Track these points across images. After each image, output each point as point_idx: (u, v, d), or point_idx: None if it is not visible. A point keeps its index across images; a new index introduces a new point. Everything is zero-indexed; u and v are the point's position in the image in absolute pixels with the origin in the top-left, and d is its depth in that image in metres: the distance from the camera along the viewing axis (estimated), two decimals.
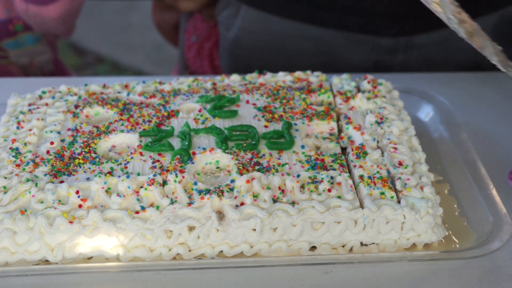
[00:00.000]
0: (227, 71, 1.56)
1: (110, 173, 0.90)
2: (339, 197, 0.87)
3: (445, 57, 1.53)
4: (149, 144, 0.97)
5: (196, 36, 1.77)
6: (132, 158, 0.95)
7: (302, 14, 1.39)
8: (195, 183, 0.89)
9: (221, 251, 0.85)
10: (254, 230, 0.84)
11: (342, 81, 1.14)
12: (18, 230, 0.83)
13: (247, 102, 1.07)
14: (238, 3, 1.48)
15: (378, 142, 0.99)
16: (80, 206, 0.85)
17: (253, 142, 0.97)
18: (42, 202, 0.85)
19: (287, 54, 1.47)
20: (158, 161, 0.94)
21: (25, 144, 0.97)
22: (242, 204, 0.86)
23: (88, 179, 0.89)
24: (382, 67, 1.48)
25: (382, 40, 1.45)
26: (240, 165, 0.92)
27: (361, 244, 0.87)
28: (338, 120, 1.05)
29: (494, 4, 1.53)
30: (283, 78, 1.15)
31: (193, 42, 1.79)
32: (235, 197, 0.87)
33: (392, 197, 0.87)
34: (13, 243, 0.83)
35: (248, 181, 0.89)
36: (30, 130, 1.01)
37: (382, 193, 0.88)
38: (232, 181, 0.89)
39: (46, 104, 1.06)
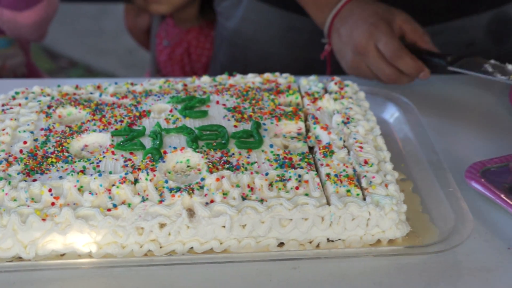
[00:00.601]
0: (225, 59, 1.61)
1: (83, 171, 0.91)
2: (306, 194, 0.88)
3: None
4: (121, 143, 0.97)
5: (168, 41, 1.78)
6: (104, 157, 0.95)
7: (299, 7, 1.40)
8: (166, 181, 0.89)
9: (192, 248, 0.85)
10: (224, 227, 0.85)
11: (310, 82, 1.15)
12: None
13: (217, 102, 1.09)
14: None
15: (344, 141, 1.00)
16: (53, 204, 0.85)
17: (223, 142, 0.98)
18: (15, 200, 0.85)
19: (285, 44, 1.50)
20: (129, 160, 0.94)
21: None
22: (212, 201, 0.86)
23: (60, 177, 0.89)
24: None
25: None
26: (210, 163, 0.93)
27: (328, 240, 0.87)
28: (305, 120, 1.06)
29: (487, 3, 1.55)
30: (252, 79, 1.16)
31: (164, 46, 1.79)
32: (205, 195, 0.87)
33: (357, 194, 0.88)
34: None
35: (218, 179, 0.89)
36: (3, 129, 1.01)
37: (348, 191, 0.88)
38: (202, 179, 0.90)
39: (19, 105, 1.07)
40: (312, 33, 1.45)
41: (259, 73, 1.27)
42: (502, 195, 0.97)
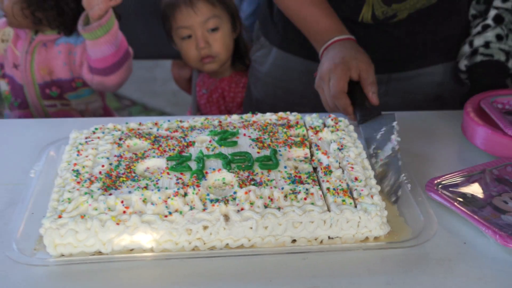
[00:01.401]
0: (259, 95, 1.61)
1: (146, 187, 0.93)
2: (312, 203, 0.89)
3: (414, 88, 1.55)
4: (174, 166, 0.99)
5: (206, 89, 1.77)
6: (161, 176, 0.97)
7: (315, 56, 1.40)
8: (208, 195, 0.91)
9: (227, 244, 0.87)
10: (251, 228, 0.86)
11: (312, 119, 1.17)
12: (79, 230, 0.84)
13: (244, 135, 1.10)
14: (271, 46, 1.55)
15: (339, 163, 1.01)
16: (124, 212, 0.87)
17: (249, 164, 1.00)
18: (96, 209, 0.87)
19: (304, 83, 1.49)
20: (180, 178, 0.96)
21: (83, 167, 0.98)
22: (242, 209, 0.88)
23: (129, 192, 0.91)
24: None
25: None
26: (240, 181, 0.95)
27: (329, 237, 0.89)
28: (310, 147, 1.07)
29: (436, 59, 1.53)
30: (269, 117, 1.18)
31: (203, 93, 1.79)
32: (237, 204, 0.89)
33: (350, 203, 0.90)
34: (75, 239, 0.84)
35: (246, 193, 0.91)
36: (86, 156, 1.02)
37: (343, 200, 0.90)
38: (235, 192, 0.91)
39: (98, 137, 1.08)
40: None
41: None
42: (455, 203, 0.98)
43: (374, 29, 1.46)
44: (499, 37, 1.39)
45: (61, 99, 1.70)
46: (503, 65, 1.38)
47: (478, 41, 1.41)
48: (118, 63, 1.59)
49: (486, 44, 1.39)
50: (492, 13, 1.41)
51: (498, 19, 1.40)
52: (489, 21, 1.41)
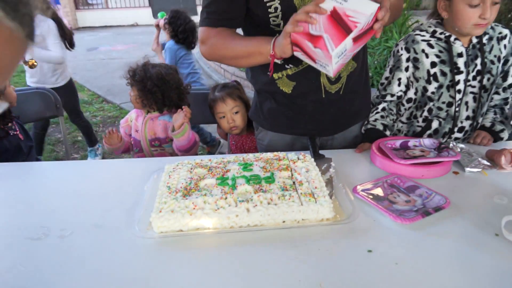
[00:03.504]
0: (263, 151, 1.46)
1: (205, 195, 0.92)
2: (293, 201, 0.89)
3: (346, 139, 1.39)
4: (219, 183, 0.98)
5: (234, 141, 1.78)
6: (213, 188, 0.96)
7: (297, 131, 1.32)
8: (238, 198, 0.91)
9: (248, 224, 0.87)
10: (261, 215, 0.86)
11: (292, 155, 1.13)
12: (170, 218, 0.84)
13: (256, 165, 1.07)
14: (266, 131, 1.36)
15: (307, 179, 0.99)
16: (194, 208, 0.88)
17: (259, 181, 0.98)
18: (179, 207, 0.88)
19: (291, 148, 1.35)
20: (223, 189, 0.95)
21: (172, 184, 0.99)
22: (255, 205, 0.88)
23: (196, 197, 0.91)
24: (323, 147, 1.39)
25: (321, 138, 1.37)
26: (254, 190, 0.94)
27: (302, 219, 0.88)
28: (291, 171, 1.04)
29: (354, 120, 1.37)
30: (269, 155, 1.14)
31: (233, 143, 1.79)
32: (253, 203, 0.89)
33: (313, 201, 0.89)
34: (169, 223, 0.85)
35: (258, 196, 0.91)
36: (174, 178, 1.02)
37: (309, 199, 0.90)
38: (252, 196, 0.91)
39: (179, 168, 1.08)
40: (303, 143, 1.35)
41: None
42: (368, 199, 0.98)
43: (326, 101, 1.26)
44: (382, 116, 1.37)
45: (160, 147, 1.73)
46: (382, 132, 1.35)
47: (371, 118, 1.38)
48: (188, 149, 1.64)
49: (375, 120, 1.37)
50: (381, 106, 1.38)
51: (384, 109, 1.38)
52: (380, 110, 1.38)
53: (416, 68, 1.29)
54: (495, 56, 1.28)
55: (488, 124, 1.33)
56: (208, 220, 0.86)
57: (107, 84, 5.29)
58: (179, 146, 1.63)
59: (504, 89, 1.35)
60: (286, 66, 1.18)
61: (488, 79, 1.29)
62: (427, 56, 1.27)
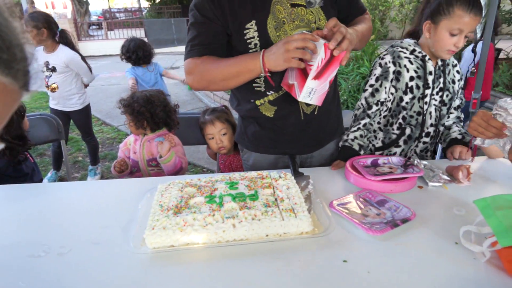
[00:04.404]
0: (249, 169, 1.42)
1: (194, 212, 0.91)
2: (275, 216, 0.88)
3: (323, 156, 1.39)
4: (208, 200, 0.97)
5: (223, 160, 1.75)
6: (202, 206, 0.95)
7: (279, 151, 1.30)
8: (225, 214, 0.90)
9: (234, 239, 0.86)
10: (246, 230, 0.85)
11: (273, 173, 1.13)
12: (162, 235, 0.83)
13: (241, 183, 1.06)
14: (250, 152, 1.35)
15: (287, 196, 0.98)
16: (184, 225, 0.87)
17: (244, 198, 0.97)
18: (170, 224, 0.87)
19: (275, 166, 1.34)
20: (211, 207, 0.94)
21: (164, 203, 0.98)
22: (241, 221, 0.87)
23: (186, 215, 0.90)
24: (303, 164, 1.39)
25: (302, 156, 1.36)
26: (240, 207, 0.93)
27: (284, 233, 0.87)
28: (273, 188, 1.03)
29: (330, 138, 1.37)
30: (253, 174, 1.13)
31: (221, 162, 1.77)
32: (239, 219, 0.88)
33: (293, 215, 0.89)
34: (161, 239, 0.84)
35: (243, 212, 0.90)
36: (166, 197, 0.99)
37: (290, 214, 0.89)
38: (237, 213, 0.90)
39: (171, 187, 1.07)
40: (285, 162, 1.34)
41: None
42: (343, 213, 0.98)
43: (304, 122, 1.26)
44: (361, 136, 1.37)
45: (157, 167, 1.72)
46: (357, 152, 1.35)
47: (351, 135, 1.38)
48: (175, 173, 1.66)
49: (354, 138, 1.37)
50: (363, 121, 1.38)
51: (365, 125, 1.39)
52: (361, 126, 1.38)
53: (397, 80, 1.34)
54: (451, 78, 1.41)
55: (459, 137, 1.41)
56: (198, 235, 0.85)
57: (106, 108, 5.26)
58: (166, 171, 1.67)
59: (455, 109, 1.48)
60: (267, 93, 1.20)
61: (447, 95, 1.40)
62: (408, 70, 1.33)
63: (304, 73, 0.98)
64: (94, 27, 17.76)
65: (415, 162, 1.25)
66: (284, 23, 1.08)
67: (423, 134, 1.43)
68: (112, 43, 12.32)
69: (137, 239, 0.87)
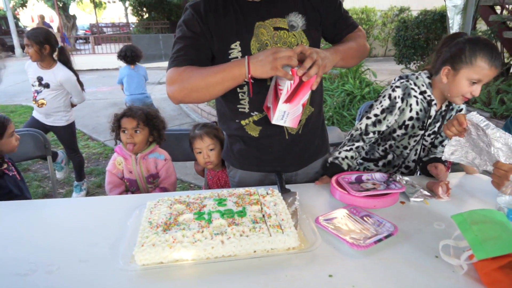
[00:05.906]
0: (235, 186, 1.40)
1: (184, 229, 0.92)
2: (263, 233, 0.89)
3: (309, 173, 1.38)
4: (197, 217, 0.97)
5: (211, 176, 1.77)
6: (191, 223, 0.95)
7: (262, 170, 1.31)
8: (213, 231, 0.91)
9: (223, 255, 0.86)
10: (234, 246, 0.86)
11: (260, 190, 1.13)
12: (152, 252, 0.84)
13: (229, 200, 1.06)
14: (236, 169, 1.35)
15: (274, 212, 0.99)
16: (173, 241, 0.87)
17: (232, 215, 0.98)
18: (160, 241, 0.87)
19: (261, 183, 1.33)
20: (200, 223, 0.94)
21: (153, 220, 0.98)
22: (229, 237, 0.87)
23: (176, 231, 0.91)
24: (288, 182, 1.37)
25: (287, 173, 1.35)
26: (228, 223, 0.94)
27: (271, 248, 0.88)
28: (260, 205, 1.04)
29: (315, 157, 1.36)
30: (241, 191, 1.13)
31: (210, 178, 1.78)
32: (227, 235, 0.88)
33: (280, 232, 0.90)
34: (150, 256, 0.84)
35: (232, 229, 0.91)
36: (155, 214, 1.01)
37: (277, 230, 0.90)
38: (226, 229, 0.91)
39: (160, 204, 1.07)
40: (271, 180, 1.34)
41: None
42: (329, 228, 0.99)
43: (289, 141, 1.26)
44: (352, 157, 1.37)
45: (154, 183, 1.75)
46: (344, 170, 1.35)
47: (342, 153, 1.37)
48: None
49: (344, 157, 1.36)
50: (357, 144, 1.38)
51: (358, 148, 1.38)
52: (354, 148, 1.38)
53: (399, 115, 1.36)
54: None
55: (440, 155, 1.40)
56: (187, 252, 0.86)
57: (93, 123, 5.20)
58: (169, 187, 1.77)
59: (442, 146, 1.46)
60: (251, 113, 1.21)
61: (437, 138, 1.43)
62: (411, 110, 1.34)
63: (276, 97, 1.00)
64: (80, 41, 17.73)
65: (397, 178, 1.29)
66: (267, 45, 1.10)
67: (403, 166, 1.47)
68: (99, 57, 12.30)
69: (126, 256, 0.87)
